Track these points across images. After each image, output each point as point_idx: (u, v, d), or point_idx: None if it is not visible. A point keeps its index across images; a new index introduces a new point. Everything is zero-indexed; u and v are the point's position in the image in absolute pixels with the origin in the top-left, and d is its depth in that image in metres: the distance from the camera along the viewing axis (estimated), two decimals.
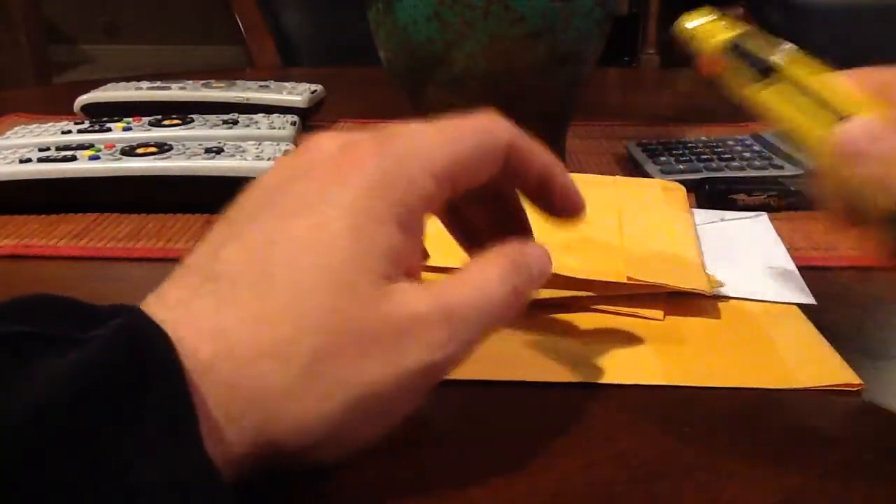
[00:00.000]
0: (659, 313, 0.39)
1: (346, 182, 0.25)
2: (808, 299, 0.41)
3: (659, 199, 0.49)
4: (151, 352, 0.21)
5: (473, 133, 0.27)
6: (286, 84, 0.72)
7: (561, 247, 0.38)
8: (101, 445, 0.20)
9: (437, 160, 0.26)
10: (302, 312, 0.23)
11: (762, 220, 0.50)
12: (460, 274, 0.26)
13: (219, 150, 0.53)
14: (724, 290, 0.41)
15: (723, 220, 0.50)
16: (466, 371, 0.27)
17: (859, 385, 0.33)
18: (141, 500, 0.19)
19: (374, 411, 0.24)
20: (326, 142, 0.27)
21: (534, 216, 0.32)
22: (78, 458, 0.19)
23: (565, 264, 0.38)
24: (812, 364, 0.35)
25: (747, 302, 0.40)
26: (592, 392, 0.33)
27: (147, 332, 0.22)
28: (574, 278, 0.38)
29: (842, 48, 1.21)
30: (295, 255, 0.24)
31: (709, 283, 0.40)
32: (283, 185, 0.26)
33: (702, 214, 0.51)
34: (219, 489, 0.21)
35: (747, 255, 0.45)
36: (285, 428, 0.23)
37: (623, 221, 0.45)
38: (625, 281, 0.38)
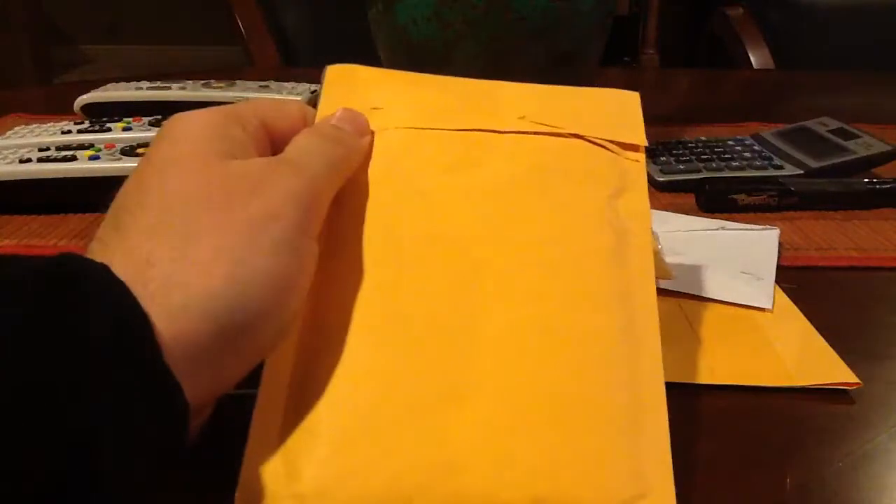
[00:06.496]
0: None
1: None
2: (767, 304, 0.40)
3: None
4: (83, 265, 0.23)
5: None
6: (286, 84, 0.72)
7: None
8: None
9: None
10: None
11: (770, 234, 0.48)
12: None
13: None
14: (681, 288, 0.41)
15: (724, 228, 0.49)
16: None
17: (857, 384, 0.33)
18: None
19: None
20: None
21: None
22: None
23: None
24: (810, 363, 0.35)
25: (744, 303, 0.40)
26: None
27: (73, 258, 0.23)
28: None
29: (842, 48, 1.21)
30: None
31: (664, 271, 0.38)
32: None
33: (702, 221, 0.50)
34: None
35: (726, 261, 0.44)
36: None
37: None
38: None
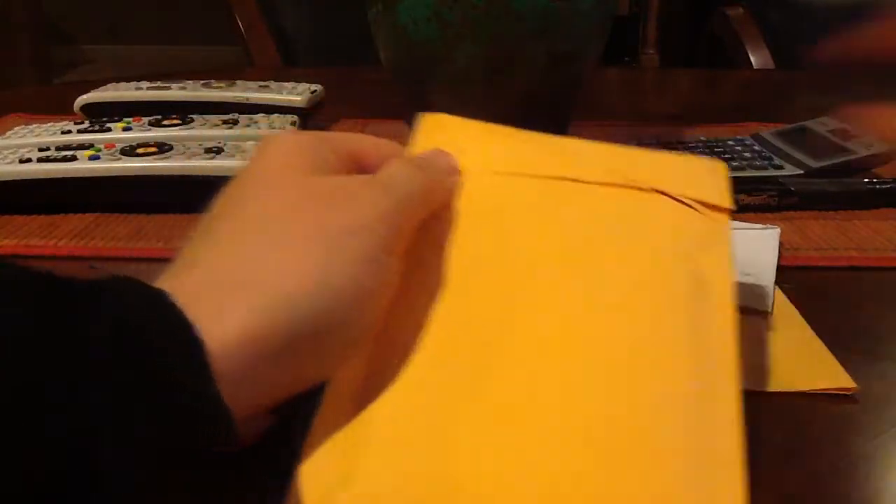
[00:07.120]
0: None
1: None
2: (765, 307, 0.40)
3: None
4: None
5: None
6: (286, 84, 0.72)
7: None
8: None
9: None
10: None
11: (770, 234, 0.48)
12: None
13: (219, 150, 0.53)
14: None
15: None
16: None
17: (853, 388, 0.33)
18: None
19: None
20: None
21: None
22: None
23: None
24: (807, 367, 0.35)
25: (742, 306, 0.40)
26: None
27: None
28: None
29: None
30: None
31: None
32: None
33: None
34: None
35: None
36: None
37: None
38: None
